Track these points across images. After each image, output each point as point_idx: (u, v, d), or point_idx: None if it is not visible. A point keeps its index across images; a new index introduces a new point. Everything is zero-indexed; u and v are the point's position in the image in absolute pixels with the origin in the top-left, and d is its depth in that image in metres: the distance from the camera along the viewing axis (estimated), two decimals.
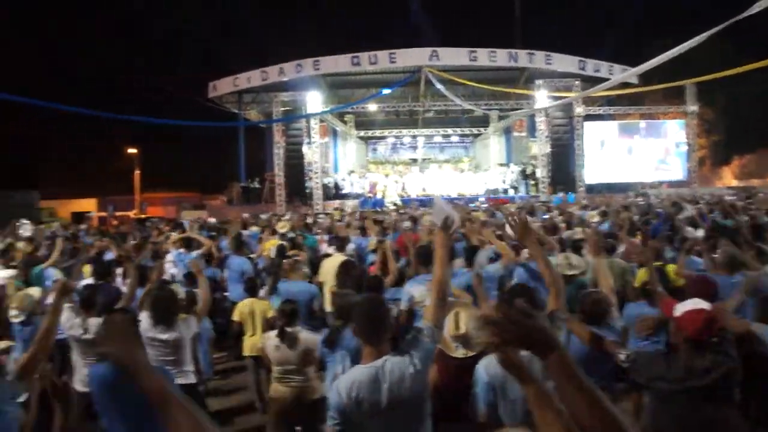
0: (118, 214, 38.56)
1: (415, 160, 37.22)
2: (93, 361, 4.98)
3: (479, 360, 3.71)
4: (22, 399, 3.45)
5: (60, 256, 9.47)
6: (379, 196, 30.29)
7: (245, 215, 19.67)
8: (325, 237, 12.21)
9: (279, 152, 29.93)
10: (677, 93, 31.66)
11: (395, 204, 26.89)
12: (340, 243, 8.89)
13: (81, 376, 5.28)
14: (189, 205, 36.84)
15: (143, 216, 35.04)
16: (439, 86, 26.94)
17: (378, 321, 3.16)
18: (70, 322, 5.24)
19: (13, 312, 6.13)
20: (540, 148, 29.71)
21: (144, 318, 4.93)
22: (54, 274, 8.49)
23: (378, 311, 3.20)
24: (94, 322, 5.22)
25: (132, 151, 48.09)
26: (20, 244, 11.54)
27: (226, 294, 9.17)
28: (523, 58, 28.12)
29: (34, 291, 6.42)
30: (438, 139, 37.64)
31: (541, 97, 28.34)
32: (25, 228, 15.13)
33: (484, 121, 35.76)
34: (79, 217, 35.62)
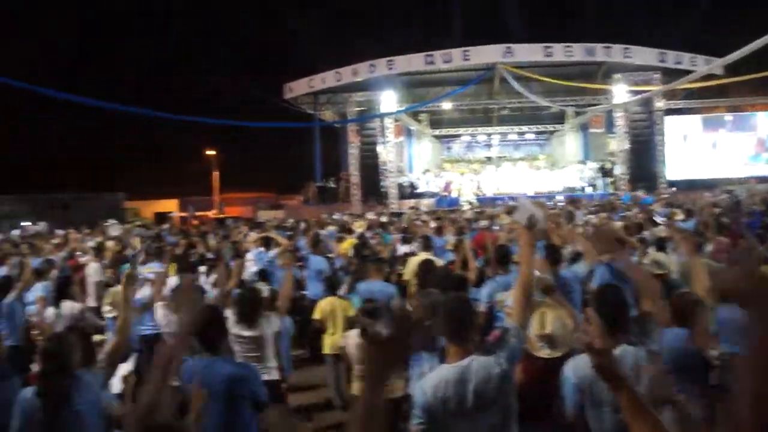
0: (198, 214, 39.64)
1: (490, 159, 36.81)
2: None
3: (565, 361, 3.64)
4: (116, 390, 3.60)
5: (145, 256, 9.84)
6: (454, 194, 30.11)
7: (323, 215, 19.89)
8: (399, 236, 12.25)
9: (354, 152, 30.17)
10: (766, 83, 30.04)
11: (470, 203, 26.71)
12: (425, 242, 8.89)
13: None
14: (265, 204, 37.52)
15: (222, 216, 35.92)
16: (513, 83, 26.55)
17: (464, 320, 3.14)
18: (166, 319, 5.43)
19: (106, 308, 6.43)
20: (618, 144, 28.90)
21: (228, 315, 5.05)
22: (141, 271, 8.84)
23: (464, 310, 3.18)
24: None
25: (210, 152, 49.46)
26: (109, 243, 12.06)
27: (304, 292, 9.31)
28: (600, 52, 27.23)
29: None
30: (513, 136, 36.99)
31: (620, 92, 27.54)
32: (114, 228, 15.78)
33: (559, 118, 34.98)
34: (162, 217, 36.84)
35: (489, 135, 36.67)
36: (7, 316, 6.93)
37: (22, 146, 66.16)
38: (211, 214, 40.41)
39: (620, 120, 28.43)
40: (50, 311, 6.79)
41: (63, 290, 6.99)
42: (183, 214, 40.53)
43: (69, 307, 6.67)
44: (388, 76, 28.45)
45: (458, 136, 37.26)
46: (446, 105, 31.55)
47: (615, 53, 27.09)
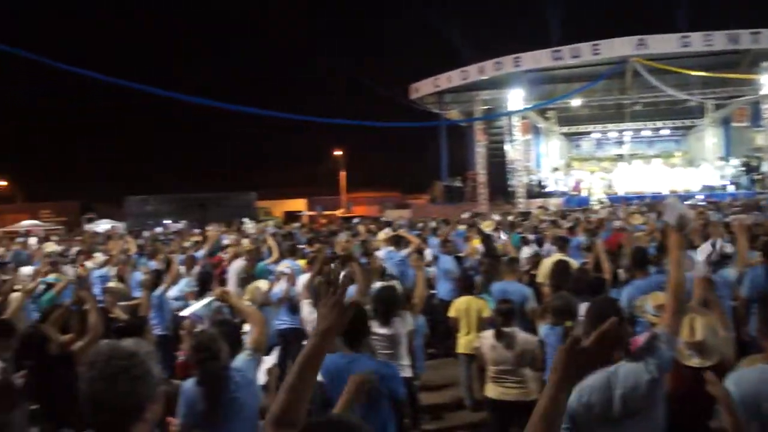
0: (326, 213, 40.66)
1: (621, 156, 35.26)
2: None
3: (717, 370, 3.44)
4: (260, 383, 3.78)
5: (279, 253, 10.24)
6: (584, 194, 29.24)
7: (464, 214, 19.77)
8: (531, 237, 12.03)
9: (481, 151, 29.98)
10: None
11: (602, 202, 25.83)
12: (560, 243, 8.70)
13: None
14: (392, 204, 38.01)
15: (349, 215, 36.69)
16: (647, 77, 25.34)
17: None
18: (311, 316, 5.64)
19: (246, 303, 6.76)
20: (766, 138, 26.90)
21: None
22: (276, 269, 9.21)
23: (611, 313, 3.09)
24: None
25: (338, 153, 50.68)
26: (245, 241, 12.61)
27: (433, 291, 9.34)
28: (745, 38, 25.31)
29: (263, 284, 7.02)
30: (647, 132, 35.21)
31: None
32: (249, 226, 16.50)
33: (698, 112, 32.82)
34: (291, 216, 38.09)
35: (621, 131, 35.05)
36: (157, 308, 7.45)
37: (164, 150, 70.90)
38: (339, 213, 41.33)
39: None
40: (192, 305, 7.20)
41: (205, 285, 7.39)
42: (311, 213, 41.70)
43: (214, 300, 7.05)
44: (515, 73, 28.00)
45: (588, 133, 36.02)
46: (575, 101, 30.62)
47: (764, 39, 25.08)
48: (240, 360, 3.67)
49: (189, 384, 3.64)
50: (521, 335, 5.07)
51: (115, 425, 1.82)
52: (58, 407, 4.02)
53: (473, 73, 28.86)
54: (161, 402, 1.95)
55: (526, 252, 10.03)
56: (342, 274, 2.01)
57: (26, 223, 38.54)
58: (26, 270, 9.10)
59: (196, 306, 6.35)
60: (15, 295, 6.27)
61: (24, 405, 4.38)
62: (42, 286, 8.09)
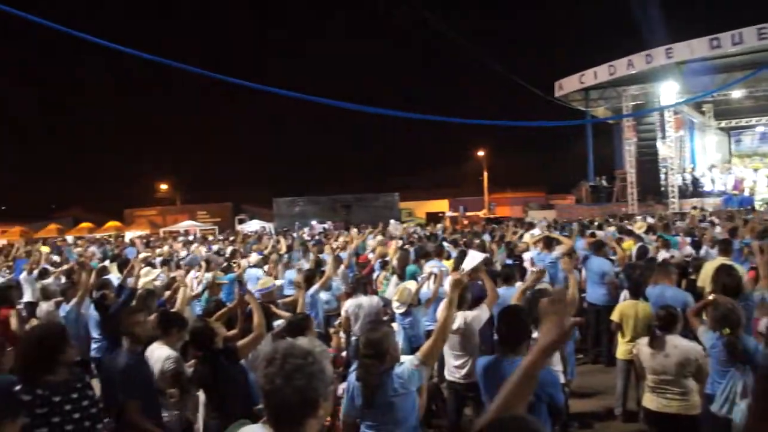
0: (468, 214, 40.50)
1: None
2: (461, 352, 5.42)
3: None
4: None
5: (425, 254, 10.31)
6: (746, 193, 27.18)
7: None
8: (687, 239, 11.39)
9: (630, 149, 28.75)
10: None
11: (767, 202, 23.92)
12: (723, 246, 8.15)
13: (448, 365, 5.74)
14: (536, 204, 37.30)
15: (492, 216, 36.35)
16: None
17: None
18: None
19: (395, 304, 6.85)
20: None
21: None
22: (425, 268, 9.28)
23: None
24: (464, 315, 5.59)
25: (480, 153, 50.42)
26: (393, 243, 12.81)
27: (583, 295, 9.02)
28: None
29: (412, 285, 7.08)
30: None
31: None
32: (395, 227, 16.77)
33: None
34: (433, 217, 38.24)
35: None
36: (310, 306, 7.73)
37: (311, 153, 73.69)
38: (481, 214, 41.05)
39: None
40: (348, 304, 7.41)
41: (359, 286, 7.56)
42: (453, 214, 41.70)
43: (367, 301, 7.22)
44: (667, 65, 26.48)
45: (750, 126, 33.35)
46: (736, 92, 28.56)
47: None
48: (404, 368, 3.71)
49: (352, 378, 3.76)
50: (683, 343, 4.77)
51: (290, 420, 1.92)
52: (222, 397, 4.32)
53: (621, 67, 27.68)
54: (333, 399, 2.05)
55: (678, 255, 9.49)
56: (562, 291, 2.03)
57: (185, 223, 41.43)
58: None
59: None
60: (182, 291, 6.73)
61: (193, 392, 4.75)
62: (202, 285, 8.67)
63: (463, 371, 5.54)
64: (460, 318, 5.52)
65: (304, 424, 1.92)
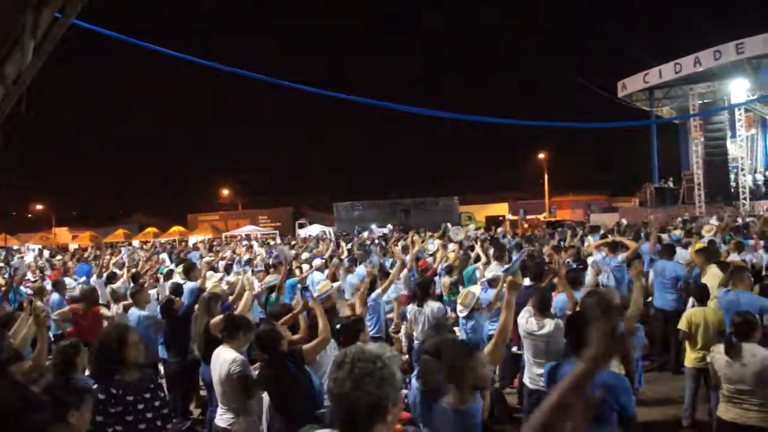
0: (528, 217, 40.01)
1: None
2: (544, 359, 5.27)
3: None
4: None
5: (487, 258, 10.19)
6: None
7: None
8: (761, 242, 10.94)
9: (697, 149, 27.88)
10: None
11: None
12: None
13: (531, 374, 5.57)
14: (598, 208, 36.55)
15: (553, 219, 35.78)
16: None
17: None
18: (525, 319, 5.55)
19: (459, 308, 6.78)
20: None
21: None
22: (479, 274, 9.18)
23: None
24: (555, 321, 5.48)
25: (541, 156, 49.77)
26: (451, 246, 12.70)
27: (649, 299, 8.75)
28: None
29: (476, 289, 6.99)
30: None
31: None
32: (456, 232, 16.60)
33: None
34: (493, 220, 37.89)
35: None
36: (372, 310, 7.71)
37: (371, 158, 74.10)
38: (542, 217, 40.46)
39: None
40: (411, 308, 7.34)
41: (426, 290, 7.46)
42: (513, 218, 41.21)
43: (431, 306, 7.13)
44: (737, 61, 25.52)
45: None
46: None
47: None
48: None
49: (414, 384, 3.72)
50: (762, 352, 4.52)
51: (359, 424, 1.90)
52: (286, 401, 4.34)
53: (688, 65, 26.86)
54: (402, 405, 2.02)
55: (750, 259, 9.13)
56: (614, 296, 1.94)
57: (247, 228, 42.19)
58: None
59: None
60: (246, 295, 6.84)
61: (259, 394, 4.80)
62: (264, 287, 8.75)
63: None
64: (550, 324, 5.40)
65: (372, 429, 1.91)
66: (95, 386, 3.60)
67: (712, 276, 7.53)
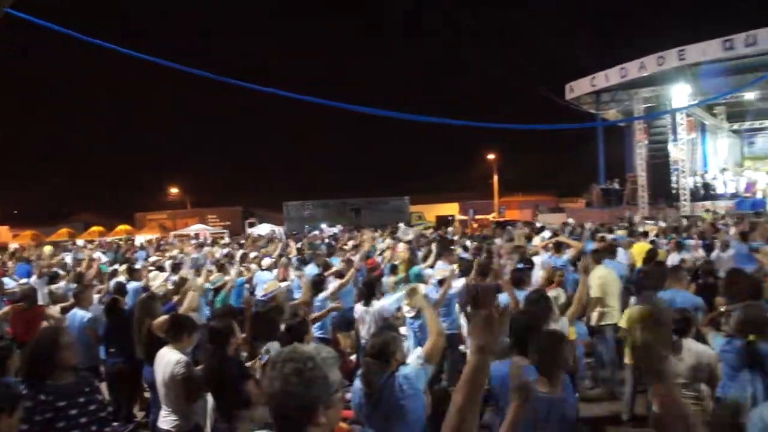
0: (477, 217, 40.45)
1: None
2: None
3: None
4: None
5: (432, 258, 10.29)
6: (759, 196, 26.93)
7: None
8: (700, 242, 11.32)
9: (641, 152, 28.64)
10: None
11: None
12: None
13: None
14: (545, 208, 37.21)
15: (502, 219, 36.26)
16: None
17: None
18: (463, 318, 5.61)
19: (405, 308, 6.80)
20: None
21: None
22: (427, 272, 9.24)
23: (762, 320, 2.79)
24: None
25: (491, 157, 50.37)
26: (401, 245, 12.76)
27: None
28: None
29: (422, 288, 7.02)
30: None
31: None
32: (405, 232, 16.71)
33: None
34: (443, 220, 38.19)
35: None
36: (319, 311, 7.67)
37: (319, 155, 73.92)
38: (491, 217, 40.97)
39: None
40: (359, 308, 7.35)
41: (371, 290, 7.48)
42: (463, 218, 41.62)
43: (378, 305, 7.15)
44: (680, 67, 26.27)
45: (763, 129, 33.07)
46: (748, 95, 28.29)
47: None
48: (410, 368, 3.67)
49: (357, 384, 3.71)
50: (697, 347, 4.70)
51: (289, 425, 1.88)
52: (230, 401, 4.29)
53: (633, 69, 27.51)
54: (338, 408, 1.98)
55: (689, 258, 9.43)
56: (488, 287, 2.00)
57: (195, 227, 41.58)
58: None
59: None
60: (191, 294, 6.71)
61: (203, 396, 4.73)
62: (209, 286, 8.64)
63: None
64: None
65: (304, 430, 1.88)
66: (24, 393, 3.48)
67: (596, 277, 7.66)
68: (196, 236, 33.56)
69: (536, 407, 3.37)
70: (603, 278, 7.74)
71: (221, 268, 10.30)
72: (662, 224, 16.04)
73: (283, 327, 5.15)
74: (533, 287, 6.77)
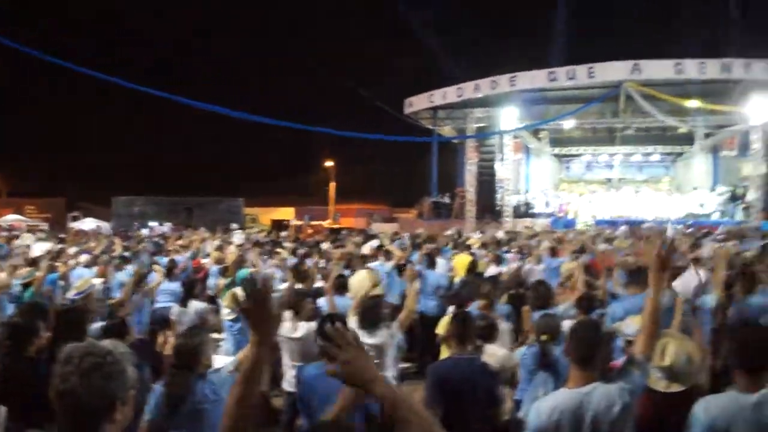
0: (313, 223, 40.58)
1: (610, 180, 35.21)
2: (301, 362, 5.32)
3: (686, 396, 3.44)
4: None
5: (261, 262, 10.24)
6: (570, 216, 29.34)
7: (448, 231, 19.77)
8: (518, 255, 12.09)
9: (471, 168, 30.07)
10: None
11: (587, 225, 25.93)
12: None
13: (289, 377, 5.63)
14: (379, 217, 38.00)
15: (336, 226, 36.64)
16: (641, 102, 25.46)
17: (594, 345, 3.05)
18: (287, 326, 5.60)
19: (225, 310, 6.71)
20: (754, 168, 27.04)
21: (351, 323, 5.14)
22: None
23: (595, 334, 3.10)
24: (303, 325, 5.54)
25: (329, 163, 50.80)
26: (231, 248, 12.54)
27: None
28: (738, 68, 25.30)
29: (241, 291, 6.95)
30: (637, 157, 34.84)
31: (758, 112, 25.22)
32: (237, 235, 16.44)
33: (688, 139, 32.68)
34: (279, 224, 37.95)
35: (611, 155, 34.88)
36: (137, 310, 7.41)
37: (152, 151, 70.80)
38: (326, 223, 41.27)
39: (757, 143, 26.51)
40: (176, 309, 7.17)
41: (191, 290, 7.34)
42: (299, 223, 41.63)
43: (195, 306, 7.01)
44: (510, 92, 28.09)
45: (579, 155, 35.90)
46: (568, 123, 30.58)
47: (756, 70, 25.02)
48: (220, 375, 3.63)
49: (159, 386, 3.61)
50: (500, 352, 5.06)
51: (84, 423, 1.81)
52: (30, 407, 3.96)
53: (468, 90, 28.92)
54: (132, 405, 1.93)
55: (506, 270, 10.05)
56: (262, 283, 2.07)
57: (10, 217, 38.27)
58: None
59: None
60: None
61: None
62: (18, 282, 8.00)
63: None
64: (303, 328, 5.48)
65: (99, 427, 1.81)
66: None
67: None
68: (10, 228, 30.89)
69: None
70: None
71: (32, 263, 9.57)
72: (482, 236, 16.96)
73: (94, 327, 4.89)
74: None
